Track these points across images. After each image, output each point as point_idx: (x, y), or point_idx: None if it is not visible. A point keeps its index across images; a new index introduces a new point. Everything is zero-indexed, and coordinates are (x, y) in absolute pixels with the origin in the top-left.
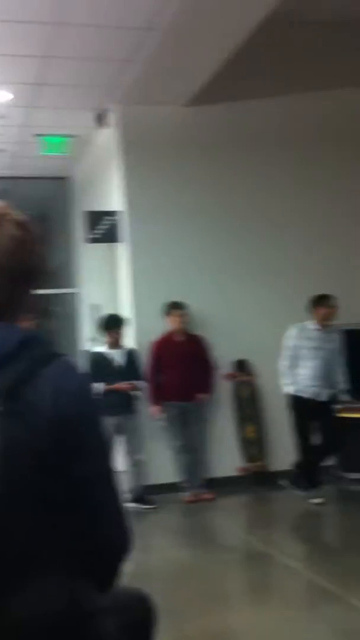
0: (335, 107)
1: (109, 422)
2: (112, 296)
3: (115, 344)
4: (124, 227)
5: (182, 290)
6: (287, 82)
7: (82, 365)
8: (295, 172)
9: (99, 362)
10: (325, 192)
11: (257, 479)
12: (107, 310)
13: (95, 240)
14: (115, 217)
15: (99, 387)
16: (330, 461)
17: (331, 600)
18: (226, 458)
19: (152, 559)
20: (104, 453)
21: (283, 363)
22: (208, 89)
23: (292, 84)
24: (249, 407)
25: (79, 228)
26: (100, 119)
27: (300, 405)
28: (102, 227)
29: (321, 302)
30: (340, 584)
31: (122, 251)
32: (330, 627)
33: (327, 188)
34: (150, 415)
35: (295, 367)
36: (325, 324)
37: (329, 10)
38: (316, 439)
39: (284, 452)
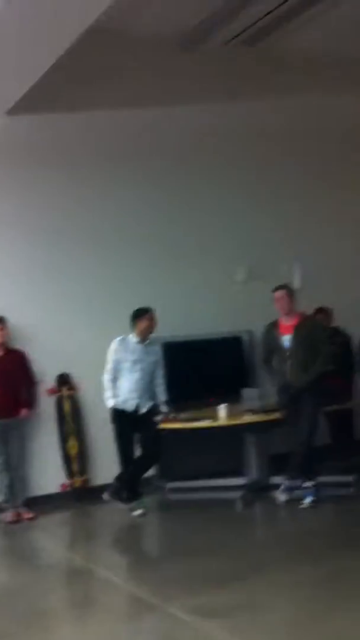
0: (146, 123)
1: None
2: None
3: None
4: None
5: (0, 303)
6: (107, 95)
7: None
8: (108, 184)
9: None
10: (140, 204)
11: (80, 495)
12: None
13: None
14: None
15: None
16: (150, 472)
17: (152, 611)
18: (49, 475)
19: None
20: None
21: (106, 376)
22: (30, 99)
23: (109, 97)
24: (71, 422)
25: None
26: None
27: (121, 418)
28: None
29: (140, 316)
30: (161, 594)
31: None
32: (151, 638)
33: (141, 201)
34: None
35: (117, 380)
36: (145, 336)
37: (149, 26)
38: (137, 451)
39: (107, 466)
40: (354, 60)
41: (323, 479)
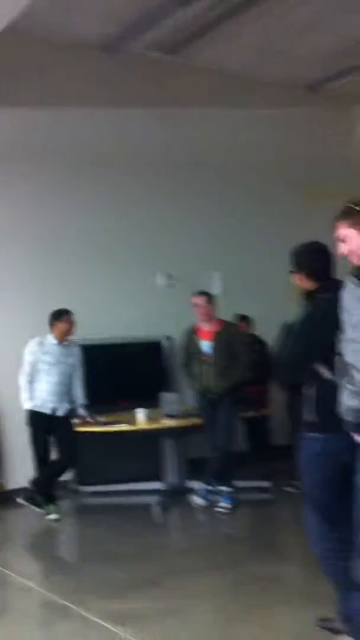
0: (66, 125)
1: None
2: None
3: None
4: None
5: None
6: (22, 94)
7: None
8: (27, 184)
9: None
10: (62, 205)
11: None
12: None
13: None
14: None
15: None
16: (66, 476)
17: (66, 617)
18: None
19: None
20: None
21: (23, 378)
22: None
23: (25, 96)
24: None
25: None
26: None
27: (37, 420)
28: None
29: (59, 317)
30: (75, 599)
31: None
32: None
33: (62, 203)
34: None
35: (34, 382)
36: (64, 338)
37: (72, 30)
38: (53, 454)
39: (22, 469)
40: (258, 78)
41: (240, 484)
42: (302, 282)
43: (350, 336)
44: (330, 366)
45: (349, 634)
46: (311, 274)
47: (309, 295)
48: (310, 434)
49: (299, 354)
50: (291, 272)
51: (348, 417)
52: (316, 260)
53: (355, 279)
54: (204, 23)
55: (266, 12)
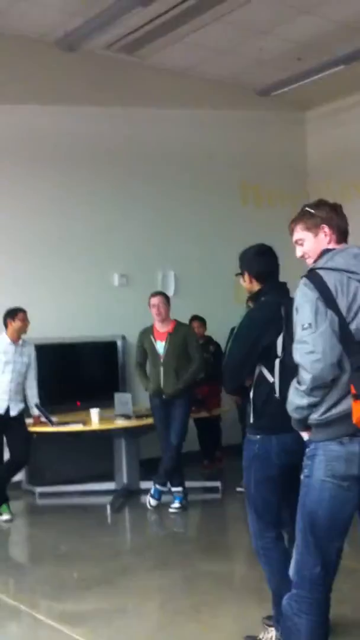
0: (19, 120)
1: None
2: None
3: None
4: None
5: None
6: None
7: None
8: None
9: None
10: (16, 203)
11: None
12: None
13: None
14: None
15: None
16: (18, 476)
17: (17, 617)
18: None
19: None
20: None
21: None
22: None
23: None
24: None
25: None
26: None
27: None
28: None
29: (13, 315)
30: (26, 600)
31: None
32: None
33: (16, 200)
34: None
35: None
36: (17, 337)
37: (27, 26)
38: (5, 454)
39: None
40: (211, 80)
41: (191, 484)
42: (248, 284)
43: (300, 337)
44: (272, 368)
45: (276, 628)
46: (257, 276)
47: (254, 297)
48: (250, 435)
49: (242, 357)
50: (238, 274)
51: (296, 415)
52: (262, 262)
53: (307, 281)
54: (159, 24)
55: (220, 15)
